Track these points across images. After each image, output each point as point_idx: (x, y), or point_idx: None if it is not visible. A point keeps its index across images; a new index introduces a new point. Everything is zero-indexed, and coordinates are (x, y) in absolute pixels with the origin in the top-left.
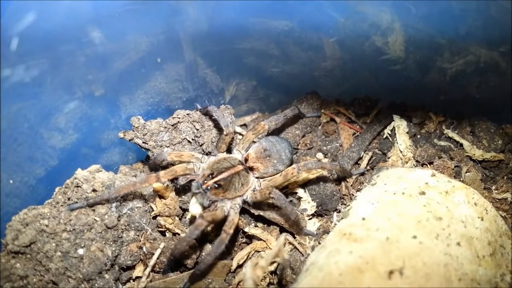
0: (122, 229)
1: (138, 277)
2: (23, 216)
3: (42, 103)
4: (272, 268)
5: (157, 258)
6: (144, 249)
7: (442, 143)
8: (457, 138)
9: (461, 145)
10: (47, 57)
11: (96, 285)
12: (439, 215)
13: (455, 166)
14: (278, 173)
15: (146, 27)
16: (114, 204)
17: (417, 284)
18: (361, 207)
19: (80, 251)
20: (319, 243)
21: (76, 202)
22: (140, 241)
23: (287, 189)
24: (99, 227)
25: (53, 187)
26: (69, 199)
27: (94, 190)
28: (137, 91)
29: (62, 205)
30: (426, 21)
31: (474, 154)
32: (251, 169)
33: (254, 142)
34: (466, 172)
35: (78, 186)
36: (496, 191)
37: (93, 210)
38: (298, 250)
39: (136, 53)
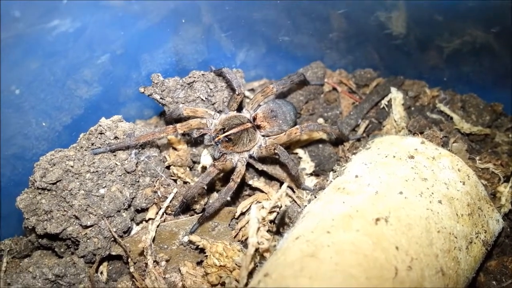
0: (139, 174)
1: (150, 219)
2: (50, 157)
3: (70, 57)
4: (271, 217)
5: (170, 202)
6: (159, 193)
7: (434, 116)
8: (448, 112)
9: (451, 118)
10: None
11: (115, 221)
12: (425, 176)
13: (443, 137)
14: (282, 133)
15: None
16: (133, 151)
17: (400, 231)
18: (355, 167)
19: (102, 191)
20: (315, 197)
21: (99, 147)
22: (155, 186)
23: (289, 150)
24: (119, 171)
25: (77, 134)
26: (92, 144)
27: (116, 137)
28: (157, 50)
29: (86, 149)
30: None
31: (463, 127)
32: (258, 127)
33: (260, 104)
34: (453, 143)
35: (101, 133)
36: (479, 161)
37: (115, 155)
38: (296, 202)
39: (156, 15)
